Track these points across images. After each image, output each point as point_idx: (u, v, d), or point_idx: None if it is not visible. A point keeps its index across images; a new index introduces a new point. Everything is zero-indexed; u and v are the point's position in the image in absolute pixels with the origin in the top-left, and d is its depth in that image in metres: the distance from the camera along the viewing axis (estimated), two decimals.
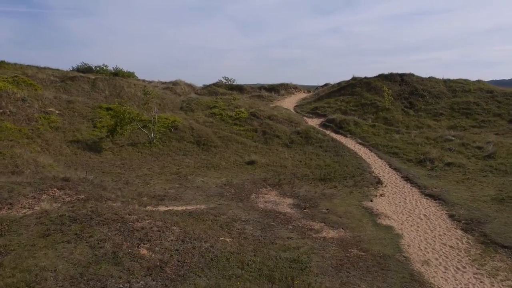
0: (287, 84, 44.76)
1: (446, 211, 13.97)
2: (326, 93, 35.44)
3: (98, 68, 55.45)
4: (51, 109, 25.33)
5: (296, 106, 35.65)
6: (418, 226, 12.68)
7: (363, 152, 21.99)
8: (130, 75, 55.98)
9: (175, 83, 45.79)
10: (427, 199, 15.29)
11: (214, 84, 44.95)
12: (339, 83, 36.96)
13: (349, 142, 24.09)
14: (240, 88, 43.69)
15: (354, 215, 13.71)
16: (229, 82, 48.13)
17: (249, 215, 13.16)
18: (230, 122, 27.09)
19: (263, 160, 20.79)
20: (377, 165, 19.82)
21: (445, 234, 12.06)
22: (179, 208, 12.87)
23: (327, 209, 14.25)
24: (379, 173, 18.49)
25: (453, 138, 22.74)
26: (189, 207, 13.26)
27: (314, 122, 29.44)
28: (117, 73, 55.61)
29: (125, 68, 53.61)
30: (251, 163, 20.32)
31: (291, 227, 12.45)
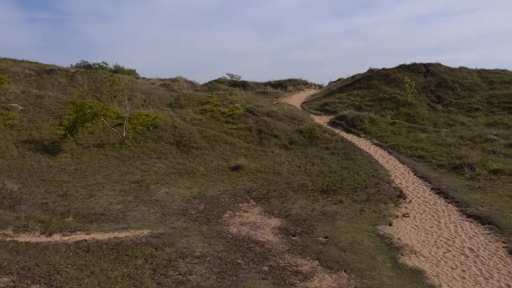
0: (295, 80, 40.41)
1: (503, 242, 9.43)
2: (338, 87, 30.92)
3: (97, 66, 52.86)
4: (14, 104, 21.96)
5: (303, 102, 31.30)
6: (463, 270, 8.22)
7: (380, 155, 17.49)
8: (131, 72, 53.13)
9: (174, 80, 42.36)
10: (471, 222, 10.74)
11: (215, 81, 41.13)
12: (353, 76, 32.38)
13: (362, 143, 19.60)
14: (243, 85, 39.66)
15: (365, 248, 9.34)
16: (234, 79, 44.27)
17: (209, 247, 9.03)
18: (222, 119, 23.04)
19: (253, 165, 16.59)
20: (398, 172, 15.31)
21: (510, 287, 7.57)
22: (105, 237, 8.85)
23: (326, 237, 9.94)
24: (400, 183, 14.00)
25: (495, 137, 17.94)
26: (122, 234, 9.23)
27: (322, 119, 25.04)
28: (116, 71, 52.89)
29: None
30: (237, 168, 16.15)
31: (266, 268, 8.23)
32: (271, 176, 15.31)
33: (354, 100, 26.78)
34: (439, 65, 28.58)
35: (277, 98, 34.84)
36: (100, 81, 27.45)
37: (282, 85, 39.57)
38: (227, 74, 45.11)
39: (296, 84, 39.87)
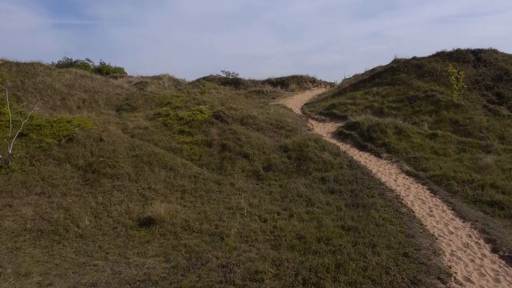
0: (300, 77, 32.86)
1: None
2: (352, 83, 23.18)
3: (79, 63, 47.47)
4: None
5: (305, 104, 23.80)
6: None
7: (417, 197, 9.82)
8: (118, 70, 47.33)
9: (156, 78, 35.88)
10: None
11: (204, 78, 34.18)
12: (372, 69, 24.54)
13: (385, 170, 11.94)
14: (236, 82, 32.54)
15: None
16: (231, 76, 37.20)
17: None
18: (176, 127, 15.85)
19: (184, 214, 9.29)
20: (457, 241, 7.62)
21: None
22: None
23: None
24: (468, 276, 6.34)
25: None
26: None
27: (325, 128, 17.49)
28: (100, 69, 47.19)
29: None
30: (150, 223, 8.89)
31: None
32: (205, 244, 7.96)
33: (372, 101, 19.05)
34: (495, 51, 20.46)
35: (274, 98, 27.48)
36: (31, 75, 20.85)
37: (283, 83, 32.16)
38: (222, 71, 38.15)
39: (301, 82, 32.33)
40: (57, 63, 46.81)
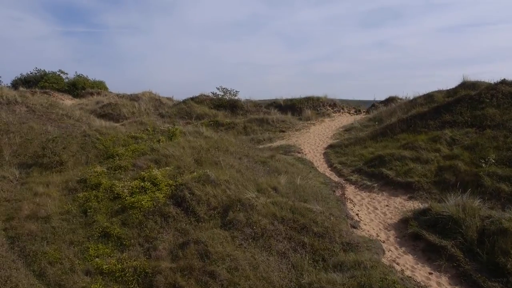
0: (317, 99, 25.20)
1: None
2: (402, 119, 15.37)
3: (50, 76, 40.58)
4: None
5: (330, 146, 16.16)
6: None
7: None
8: (97, 85, 40.35)
9: (133, 98, 28.66)
10: None
11: (192, 99, 26.61)
12: (428, 95, 16.53)
13: None
14: (233, 106, 25.02)
15: None
16: (229, 96, 29.46)
17: None
18: (100, 222, 8.19)
19: None
20: None
21: None
22: None
23: None
24: None
25: None
26: None
27: (376, 211, 9.72)
28: (75, 83, 40.23)
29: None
30: None
31: None
32: None
33: (451, 156, 11.27)
34: None
35: (283, 132, 19.96)
36: None
37: (295, 108, 24.62)
38: (218, 89, 30.33)
39: (318, 106, 24.71)
40: (26, 75, 40.03)
